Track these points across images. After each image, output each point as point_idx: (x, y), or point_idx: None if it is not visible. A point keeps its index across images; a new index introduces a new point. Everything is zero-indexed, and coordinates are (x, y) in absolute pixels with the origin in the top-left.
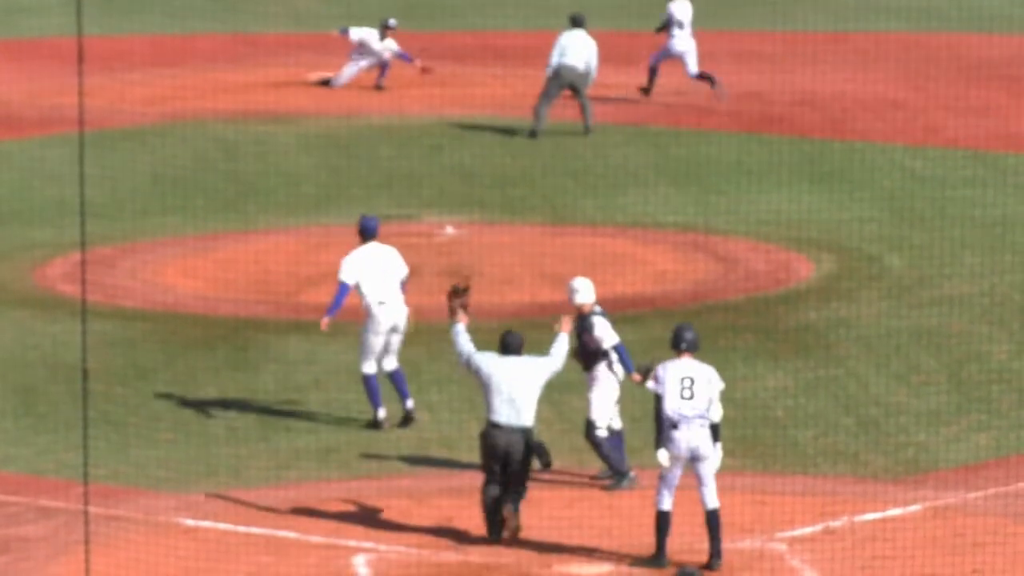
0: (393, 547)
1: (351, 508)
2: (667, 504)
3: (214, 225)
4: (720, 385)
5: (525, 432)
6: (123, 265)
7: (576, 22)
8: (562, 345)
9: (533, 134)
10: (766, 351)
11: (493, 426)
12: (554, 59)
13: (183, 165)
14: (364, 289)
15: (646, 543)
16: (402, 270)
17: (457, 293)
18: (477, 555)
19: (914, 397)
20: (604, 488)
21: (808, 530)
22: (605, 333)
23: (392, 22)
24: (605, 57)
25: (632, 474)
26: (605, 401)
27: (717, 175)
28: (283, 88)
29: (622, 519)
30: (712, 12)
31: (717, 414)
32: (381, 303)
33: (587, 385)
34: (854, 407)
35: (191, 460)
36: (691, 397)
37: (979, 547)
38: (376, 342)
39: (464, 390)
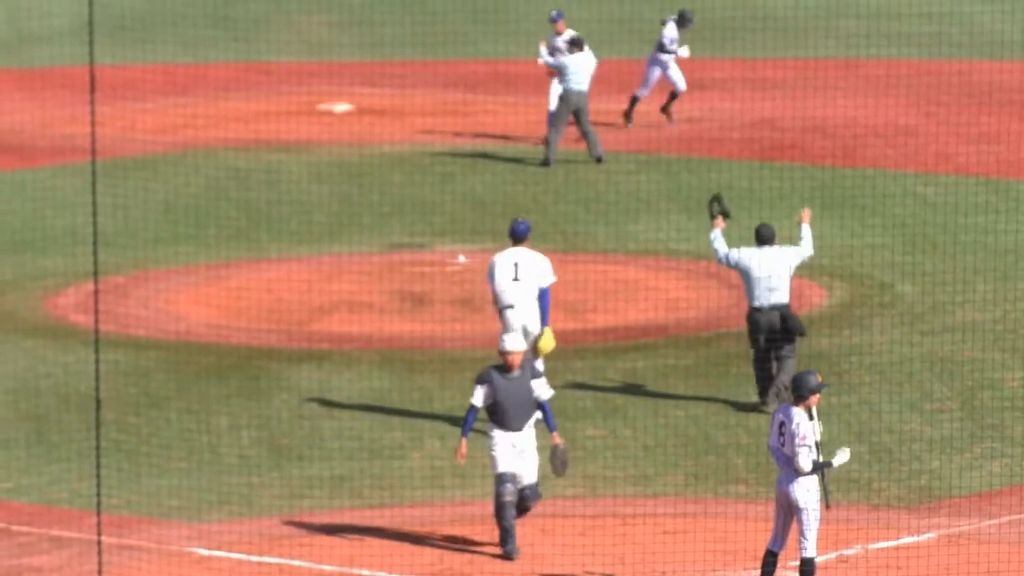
0: None
1: (364, 537)
2: (770, 543)
3: (226, 254)
4: (797, 432)
5: (783, 308)
6: (135, 294)
7: (577, 44)
8: (807, 234)
9: (546, 163)
10: None
11: (755, 310)
12: (555, 85)
13: (195, 194)
14: (496, 292)
15: (659, 571)
16: (545, 278)
17: (717, 199)
18: None
19: (927, 425)
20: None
21: (821, 558)
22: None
23: (554, 13)
24: (616, 85)
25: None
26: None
27: (729, 202)
28: (295, 117)
29: (635, 547)
30: (723, 39)
31: (801, 462)
32: (508, 306)
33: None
34: (867, 435)
35: (204, 489)
36: (781, 444)
37: (993, 575)
38: None
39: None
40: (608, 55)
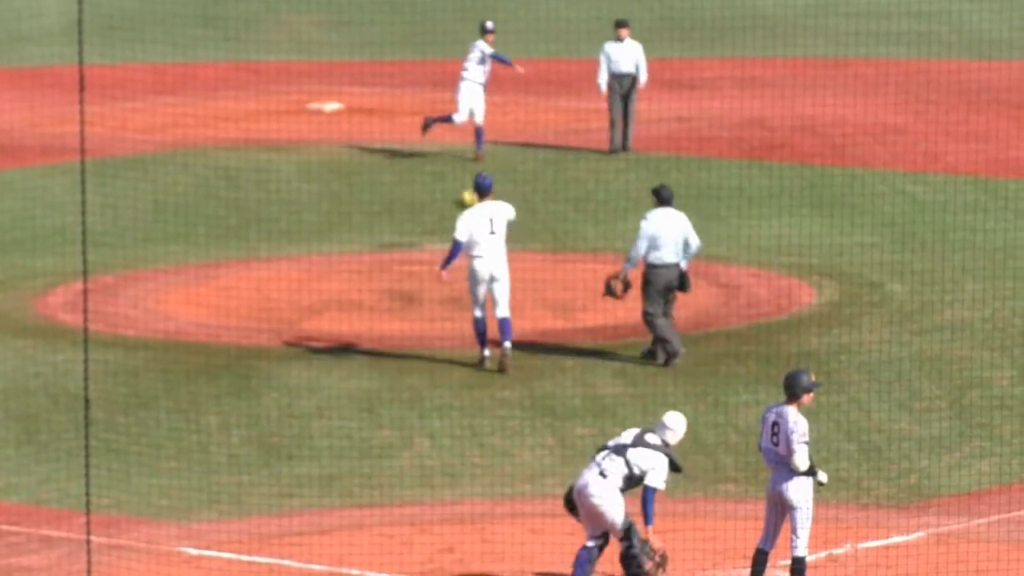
0: (395, 575)
1: (353, 536)
2: (760, 542)
3: (216, 253)
4: (793, 431)
5: (678, 266)
6: (125, 293)
7: (621, 26)
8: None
9: (615, 149)
10: (768, 378)
11: (660, 267)
12: (603, 72)
13: (185, 193)
14: (469, 244)
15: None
16: (509, 217)
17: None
18: None
19: (916, 424)
20: None
21: (811, 557)
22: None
23: (489, 24)
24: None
25: None
26: None
27: (718, 202)
28: (285, 116)
29: None
30: (712, 38)
31: (797, 460)
32: (478, 256)
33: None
34: (856, 434)
35: (193, 488)
36: (776, 444)
37: (982, 574)
38: (478, 290)
39: (465, 418)
40: (594, 54)
